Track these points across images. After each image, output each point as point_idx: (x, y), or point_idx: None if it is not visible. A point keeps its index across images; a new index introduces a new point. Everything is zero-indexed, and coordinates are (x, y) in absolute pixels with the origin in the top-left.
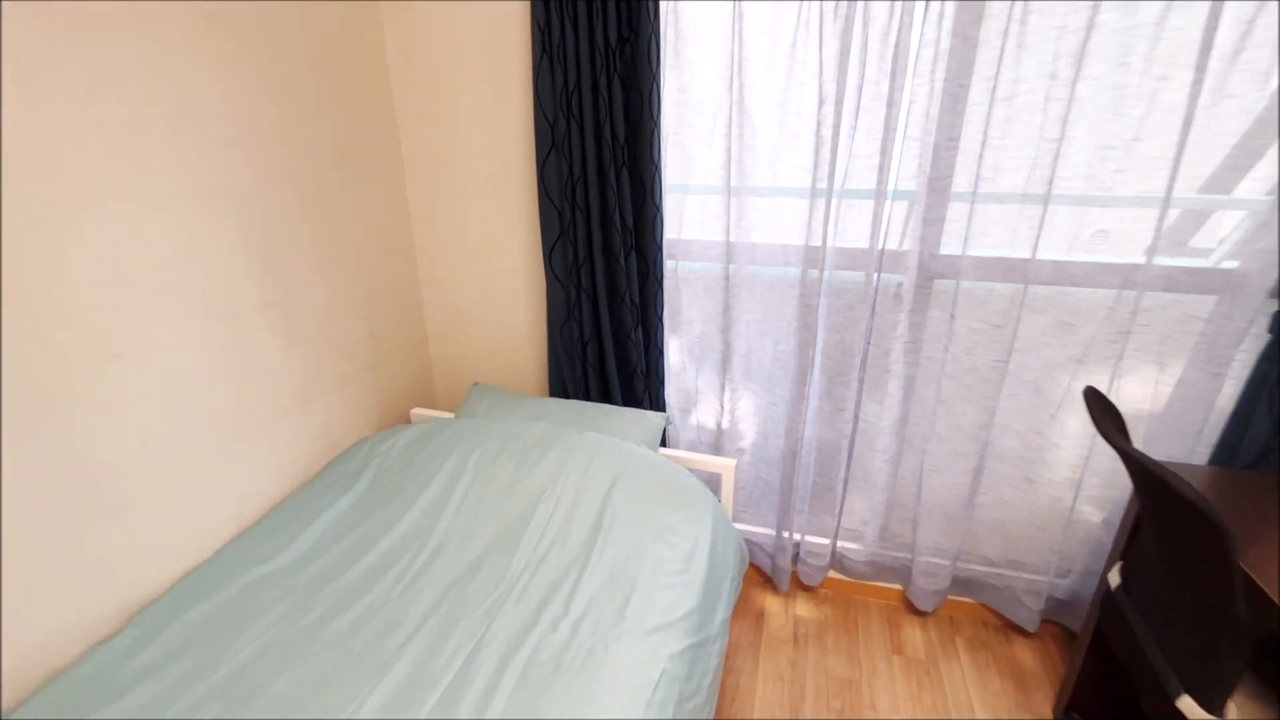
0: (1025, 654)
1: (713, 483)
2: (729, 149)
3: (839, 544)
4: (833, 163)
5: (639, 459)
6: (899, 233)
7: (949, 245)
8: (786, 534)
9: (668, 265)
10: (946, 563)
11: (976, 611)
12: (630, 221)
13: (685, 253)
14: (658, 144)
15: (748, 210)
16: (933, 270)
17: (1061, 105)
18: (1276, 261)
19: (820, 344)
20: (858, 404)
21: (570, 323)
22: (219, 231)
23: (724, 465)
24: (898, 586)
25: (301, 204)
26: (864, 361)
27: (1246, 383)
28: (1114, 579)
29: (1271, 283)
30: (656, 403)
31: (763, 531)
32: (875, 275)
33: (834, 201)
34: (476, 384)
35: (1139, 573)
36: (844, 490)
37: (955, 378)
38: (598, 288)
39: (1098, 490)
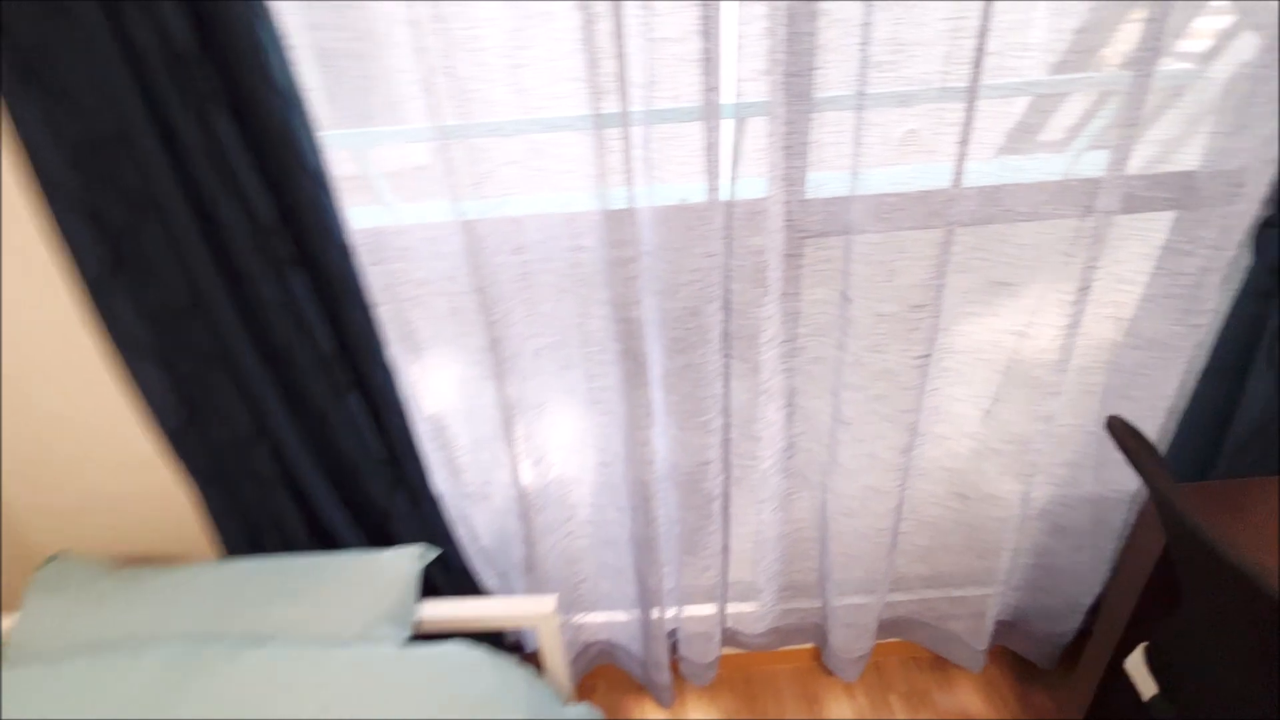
0: (973, 698)
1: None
2: (424, 48)
3: (729, 608)
4: (620, 59)
5: (359, 684)
6: (750, 170)
7: (827, 182)
8: (656, 613)
9: (374, 275)
10: (868, 619)
11: (906, 649)
12: (269, 212)
13: (401, 251)
14: (279, 50)
15: (485, 162)
16: (805, 226)
17: None
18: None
19: (659, 371)
20: (726, 444)
21: (202, 420)
22: None
23: (537, 613)
24: (810, 645)
25: None
26: (727, 385)
27: (1223, 329)
28: (1140, 675)
29: (1267, 185)
30: (420, 504)
31: (621, 620)
32: (724, 245)
33: (634, 131)
34: (55, 559)
35: (1186, 674)
36: (724, 559)
37: (860, 387)
38: (234, 344)
39: (1047, 489)
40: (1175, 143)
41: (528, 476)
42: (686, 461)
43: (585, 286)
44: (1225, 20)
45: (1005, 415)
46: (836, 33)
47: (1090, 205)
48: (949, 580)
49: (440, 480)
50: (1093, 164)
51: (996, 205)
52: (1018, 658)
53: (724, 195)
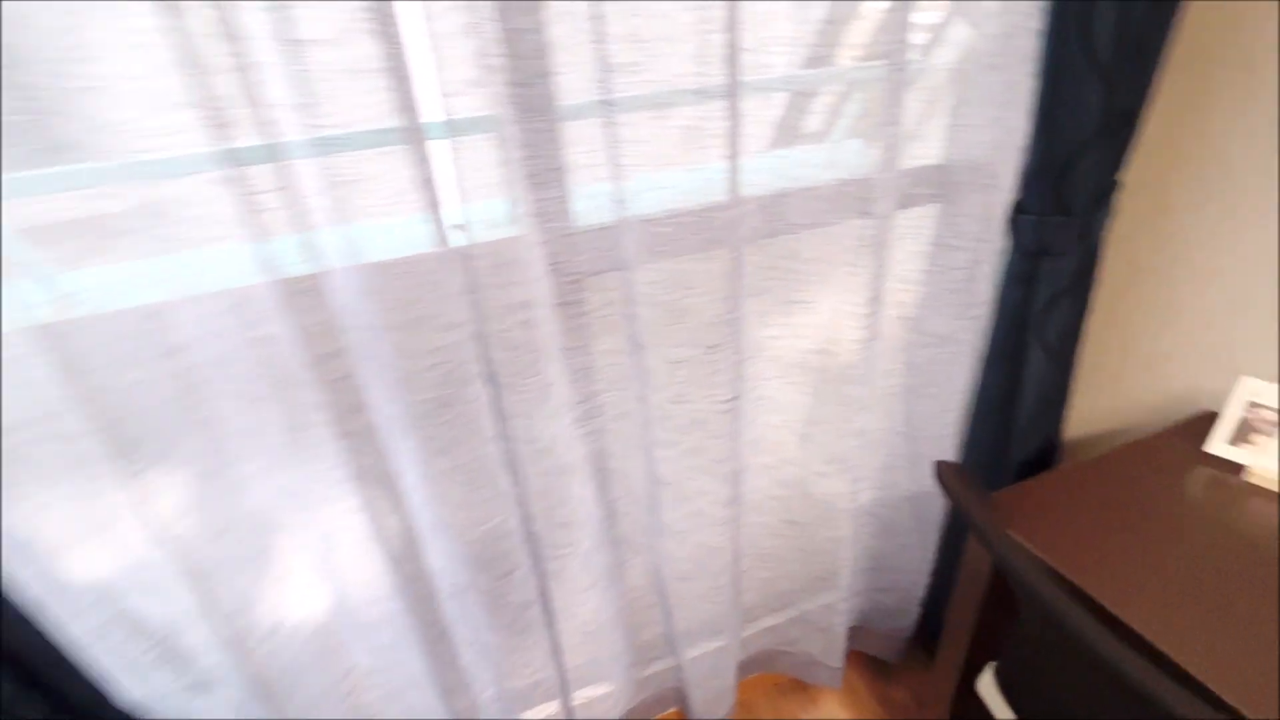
0: (836, 709)
1: None
2: None
3: (576, 699)
4: (245, 72)
5: None
6: (489, 208)
7: (588, 212)
8: None
9: None
10: (725, 669)
11: (769, 679)
12: None
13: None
14: None
15: (75, 235)
16: (575, 267)
17: None
18: (1025, 141)
19: (417, 480)
20: (530, 542)
21: None
22: None
23: None
24: (673, 711)
25: None
26: (515, 474)
27: (995, 317)
28: (993, 699)
29: (1009, 172)
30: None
31: None
32: (471, 309)
33: (300, 171)
34: None
35: (1033, 697)
36: (557, 660)
37: (672, 443)
38: None
39: (869, 494)
40: (930, 136)
41: (265, 647)
42: (483, 577)
43: (288, 388)
44: (939, 14)
45: (821, 437)
46: (564, 29)
47: (866, 209)
48: (794, 604)
49: (140, 681)
50: (859, 165)
51: (778, 219)
52: (871, 659)
53: (456, 243)
